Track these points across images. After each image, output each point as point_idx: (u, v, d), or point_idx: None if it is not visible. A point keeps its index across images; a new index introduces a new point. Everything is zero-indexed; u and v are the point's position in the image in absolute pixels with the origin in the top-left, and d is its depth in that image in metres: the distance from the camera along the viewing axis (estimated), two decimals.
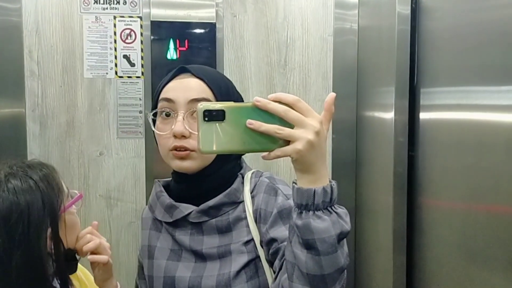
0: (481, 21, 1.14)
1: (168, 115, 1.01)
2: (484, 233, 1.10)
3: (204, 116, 0.74)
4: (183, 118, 0.99)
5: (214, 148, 0.75)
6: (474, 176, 1.14)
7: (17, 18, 1.57)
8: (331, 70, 1.72)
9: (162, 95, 1.03)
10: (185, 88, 1.01)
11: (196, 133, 0.88)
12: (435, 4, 1.36)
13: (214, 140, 0.75)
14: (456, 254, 1.21)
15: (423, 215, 1.38)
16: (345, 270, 0.80)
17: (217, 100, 1.00)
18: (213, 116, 0.74)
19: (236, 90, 1.09)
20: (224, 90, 1.04)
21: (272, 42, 1.69)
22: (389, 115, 1.44)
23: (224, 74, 1.65)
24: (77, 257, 1.04)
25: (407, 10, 1.41)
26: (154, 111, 1.04)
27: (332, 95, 0.77)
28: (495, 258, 1.06)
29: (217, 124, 0.74)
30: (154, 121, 1.05)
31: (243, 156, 1.13)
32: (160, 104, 1.03)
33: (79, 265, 1.08)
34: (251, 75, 1.69)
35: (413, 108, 1.40)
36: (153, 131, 1.05)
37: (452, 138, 1.24)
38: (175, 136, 0.99)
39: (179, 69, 1.05)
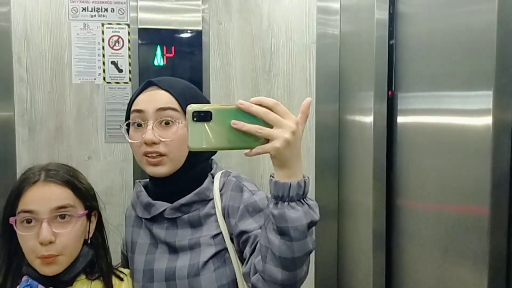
0: (452, 28, 1.19)
1: (139, 125, 1.13)
2: (454, 231, 1.16)
3: (193, 116, 0.83)
4: (152, 127, 1.10)
5: (202, 145, 0.84)
6: (445, 177, 1.20)
7: (6, 23, 1.60)
8: (314, 76, 1.77)
9: (133, 107, 1.15)
10: (153, 99, 1.12)
11: (165, 139, 1.08)
12: (411, 10, 1.41)
13: (202, 138, 0.83)
14: (431, 251, 1.27)
15: (400, 216, 1.43)
16: (310, 255, 0.91)
17: (182, 109, 1.10)
18: (201, 116, 0.83)
19: (204, 97, 1.23)
20: (190, 98, 1.12)
21: (257, 49, 1.74)
22: (369, 119, 1.49)
23: (211, 80, 1.71)
24: None
25: (385, 16, 1.46)
26: (127, 122, 1.16)
27: (308, 99, 0.87)
28: (464, 253, 1.12)
29: (205, 124, 0.83)
30: (128, 131, 1.17)
31: (214, 157, 1.25)
32: (132, 115, 1.14)
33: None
34: (237, 81, 1.74)
35: (391, 112, 1.45)
36: (128, 140, 1.17)
37: (426, 142, 1.30)
38: (146, 143, 1.10)
39: (146, 83, 1.17)
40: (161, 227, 1.15)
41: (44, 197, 1.04)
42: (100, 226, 1.17)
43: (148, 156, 1.10)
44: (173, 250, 1.13)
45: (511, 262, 1.04)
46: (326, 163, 1.78)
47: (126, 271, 1.19)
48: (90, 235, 1.12)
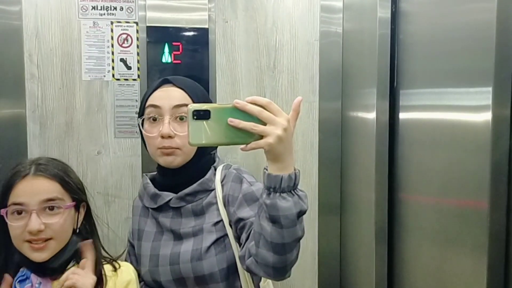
0: (452, 25, 1.22)
1: (155, 119, 1.20)
2: (455, 224, 1.20)
3: (193, 115, 0.89)
4: (169, 122, 1.18)
5: (201, 141, 0.90)
6: (446, 172, 1.23)
7: (17, 22, 1.63)
8: (318, 73, 1.80)
9: (149, 103, 1.22)
10: (169, 96, 1.20)
11: (180, 133, 1.15)
12: (413, 9, 1.43)
13: (202, 135, 0.90)
14: (431, 244, 1.31)
15: (402, 209, 1.47)
16: (300, 241, 0.99)
17: None
18: (200, 115, 0.89)
19: (208, 96, 1.32)
20: (201, 96, 1.24)
21: (261, 47, 1.78)
22: (371, 115, 1.52)
23: (217, 77, 1.75)
24: None
25: (387, 14, 1.48)
26: (143, 117, 1.23)
27: (299, 98, 0.93)
28: (463, 244, 1.16)
29: (204, 121, 0.89)
30: (140, 125, 1.24)
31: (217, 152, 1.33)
32: (147, 110, 1.22)
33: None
34: (242, 78, 1.78)
35: (393, 109, 1.48)
36: (141, 133, 1.25)
37: (427, 137, 1.33)
38: (162, 137, 1.18)
39: (162, 80, 1.25)
40: (167, 216, 1.24)
41: (33, 189, 1.10)
42: (88, 217, 1.22)
43: (162, 148, 1.19)
44: (178, 237, 1.21)
45: (509, 254, 1.08)
46: (329, 158, 1.82)
47: (123, 263, 1.23)
48: (78, 225, 1.18)
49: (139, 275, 1.28)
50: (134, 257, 1.32)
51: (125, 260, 1.34)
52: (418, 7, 1.42)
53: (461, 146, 1.16)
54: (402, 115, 1.46)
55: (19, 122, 1.64)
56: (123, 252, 1.32)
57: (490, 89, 1.05)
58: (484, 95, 1.07)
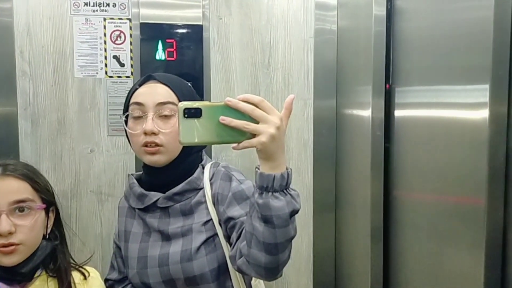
0: (449, 23, 1.22)
1: (139, 116, 1.18)
2: (451, 221, 1.20)
3: (184, 113, 0.87)
4: (152, 119, 1.15)
5: (193, 140, 0.89)
6: (442, 169, 1.23)
7: (8, 18, 1.60)
8: (312, 70, 1.80)
9: (132, 100, 1.20)
10: (153, 93, 1.18)
11: (164, 130, 1.14)
12: (408, 6, 1.44)
13: (193, 133, 0.88)
14: (428, 241, 1.31)
15: (398, 207, 1.47)
16: (294, 239, 0.98)
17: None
18: (191, 113, 0.88)
19: (195, 93, 1.29)
20: (186, 93, 1.21)
21: (256, 44, 1.76)
22: (367, 112, 1.52)
23: (211, 74, 1.73)
24: None
25: (382, 12, 1.48)
26: (126, 114, 1.21)
27: (291, 96, 0.92)
28: (460, 242, 1.16)
29: (195, 120, 0.88)
30: (126, 122, 1.22)
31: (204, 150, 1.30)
32: (131, 108, 1.20)
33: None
34: (237, 75, 1.76)
35: (389, 106, 1.49)
36: (125, 130, 1.22)
37: (423, 134, 1.33)
38: (145, 134, 1.15)
39: (146, 77, 1.22)
40: (154, 216, 1.22)
41: (2, 190, 1.05)
42: (58, 223, 1.18)
43: (146, 146, 1.16)
44: (166, 237, 1.19)
45: (507, 252, 1.08)
46: (324, 156, 1.81)
47: (91, 270, 1.21)
48: (48, 231, 1.14)
49: (126, 277, 1.26)
50: (120, 259, 1.29)
51: (111, 263, 1.33)
52: (414, 4, 1.42)
53: (458, 144, 1.16)
54: (398, 113, 1.46)
55: (10, 120, 1.61)
56: (89, 258, 1.26)
57: (487, 86, 1.05)
58: (481, 92, 1.07)
